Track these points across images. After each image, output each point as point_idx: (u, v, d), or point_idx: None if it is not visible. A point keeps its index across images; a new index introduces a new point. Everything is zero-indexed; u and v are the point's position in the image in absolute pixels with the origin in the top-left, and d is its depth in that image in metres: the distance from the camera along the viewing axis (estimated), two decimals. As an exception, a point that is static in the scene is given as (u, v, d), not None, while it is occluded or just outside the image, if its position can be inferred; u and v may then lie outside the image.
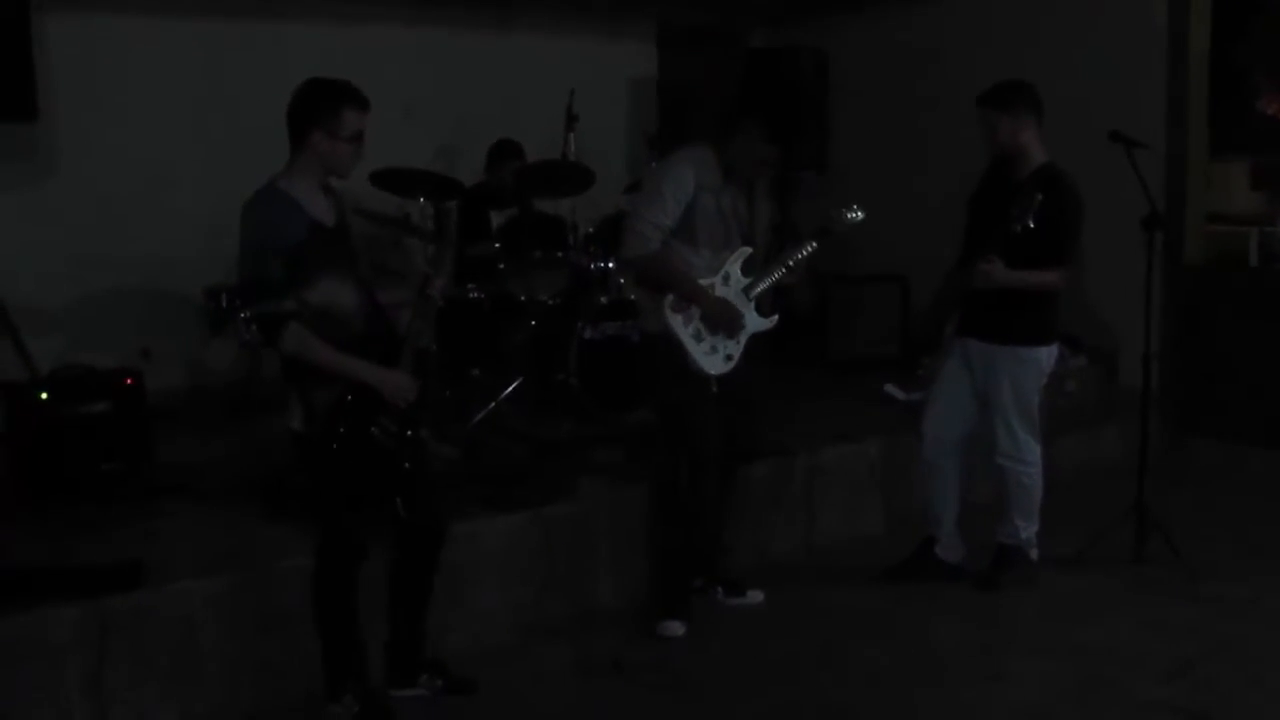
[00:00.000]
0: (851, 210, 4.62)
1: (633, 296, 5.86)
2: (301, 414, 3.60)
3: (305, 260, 3.51)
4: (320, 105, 3.55)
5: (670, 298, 4.40)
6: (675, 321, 4.41)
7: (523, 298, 5.97)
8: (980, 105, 4.70)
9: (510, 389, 5.80)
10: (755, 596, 4.83)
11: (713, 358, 4.47)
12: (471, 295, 6.02)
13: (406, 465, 3.68)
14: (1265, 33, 7.59)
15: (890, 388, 6.46)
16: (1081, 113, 6.07)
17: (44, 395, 4.66)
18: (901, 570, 5.04)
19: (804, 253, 4.56)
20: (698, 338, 4.44)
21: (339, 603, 3.70)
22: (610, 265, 6.04)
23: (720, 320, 4.45)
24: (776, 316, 4.61)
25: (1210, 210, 7.33)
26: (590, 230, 6.16)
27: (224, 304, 5.75)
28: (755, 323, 4.56)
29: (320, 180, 3.64)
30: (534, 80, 7.23)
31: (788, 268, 4.54)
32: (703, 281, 4.44)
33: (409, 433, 3.68)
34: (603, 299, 5.95)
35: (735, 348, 4.52)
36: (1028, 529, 4.92)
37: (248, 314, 5.22)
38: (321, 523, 3.70)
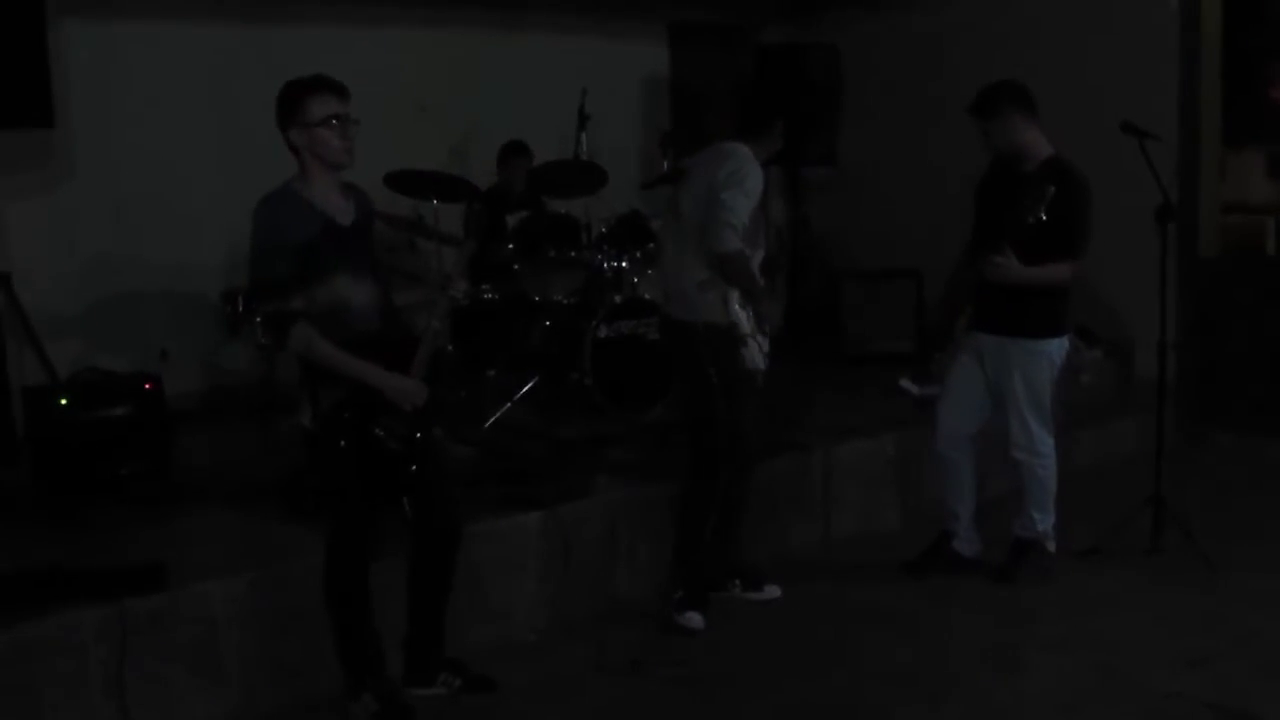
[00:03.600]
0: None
1: (648, 295, 5.89)
2: (310, 411, 3.63)
3: (316, 259, 3.53)
4: (285, 103, 3.59)
5: (737, 293, 4.44)
6: (740, 316, 4.45)
7: (537, 298, 5.99)
8: (970, 115, 4.71)
9: (525, 389, 5.82)
10: (773, 591, 4.84)
11: (761, 354, 4.55)
12: (486, 296, 6.04)
13: (414, 467, 3.68)
14: (1279, 19, 7.55)
15: (905, 383, 6.45)
16: (1093, 103, 6.07)
17: (64, 400, 4.70)
18: (919, 564, 5.04)
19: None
20: (754, 334, 4.50)
21: (351, 601, 3.73)
22: (624, 264, 6.06)
23: (772, 317, 4.57)
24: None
25: (1227, 200, 7.30)
26: (604, 230, 6.17)
27: (241, 307, 5.78)
28: None
29: (332, 178, 3.66)
30: (546, 80, 7.25)
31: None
32: None
33: (417, 435, 3.67)
34: (617, 298, 5.96)
35: (768, 345, 4.60)
36: (1044, 521, 4.91)
37: (257, 313, 5.25)
38: (330, 521, 3.72)
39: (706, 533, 4.58)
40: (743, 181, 4.36)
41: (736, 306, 4.43)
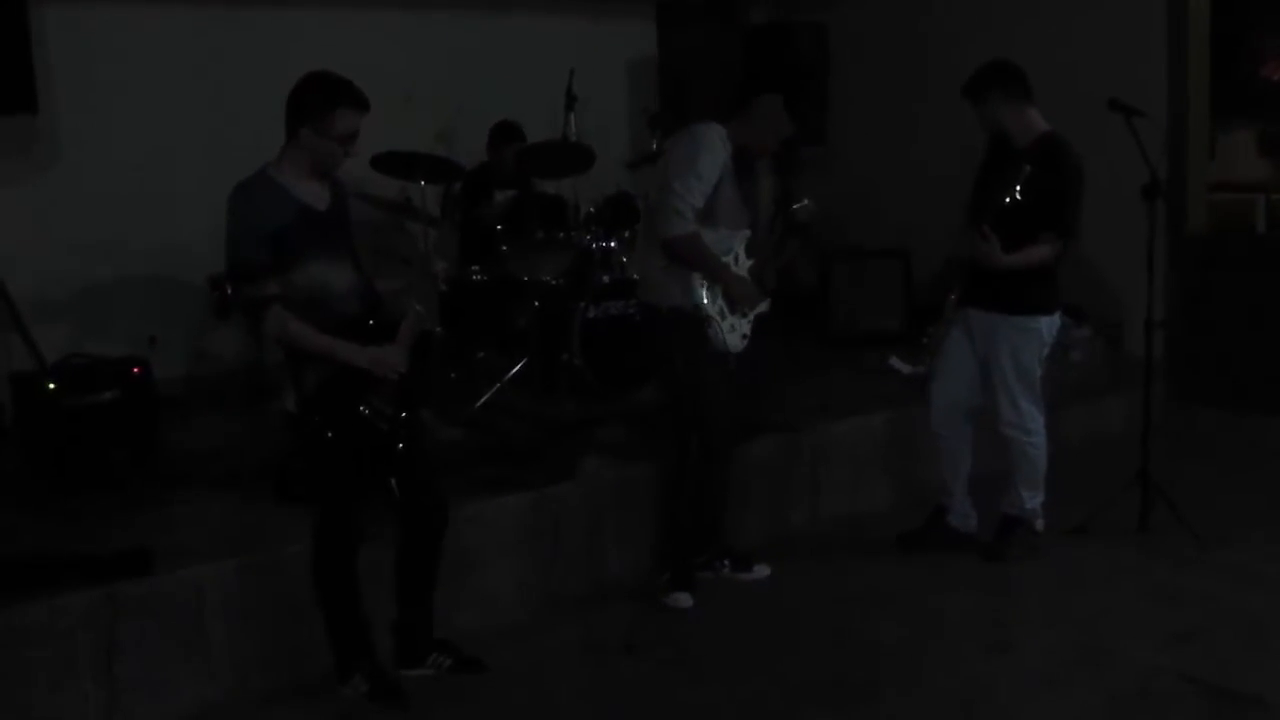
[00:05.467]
0: (801, 203, 4.66)
1: (635, 275, 5.88)
2: (294, 395, 3.62)
3: (292, 244, 3.52)
4: (313, 103, 3.53)
5: (698, 275, 4.41)
6: (703, 299, 4.42)
7: (526, 278, 5.98)
8: (963, 97, 4.71)
9: (515, 370, 5.82)
10: (762, 571, 4.85)
11: (733, 335, 4.52)
12: (475, 277, 6.03)
13: (400, 445, 3.68)
14: (1267, -3, 7.55)
15: (894, 361, 6.46)
16: (1081, 81, 6.05)
17: (52, 385, 4.68)
18: (914, 538, 5.05)
19: (783, 246, 4.69)
20: (722, 315, 4.47)
21: (339, 584, 3.73)
22: (612, 244, 6.05)
23: (743, 299, 4.50)
24: (769, 299, 4.67)
25: (1217, 177, 7.29)
26: (592, 210, 6.17)
27: (228, 291, 5.76)
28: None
29: (310, 168, 3.64)
30: (533, 61, 7.23)
31: (771, 258, 4.64)
32: None
33: (403, 413, 3.67)
34: (605, 278, 5.96)
35: (747, 326, 4.57)
36: (1033, 499, 4.92)
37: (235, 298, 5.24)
38: (318, 504, 3.72)
39: (683, 514, 4.59)
40: (693, 164, 4.30)
41: (700, 289, 4.41)
